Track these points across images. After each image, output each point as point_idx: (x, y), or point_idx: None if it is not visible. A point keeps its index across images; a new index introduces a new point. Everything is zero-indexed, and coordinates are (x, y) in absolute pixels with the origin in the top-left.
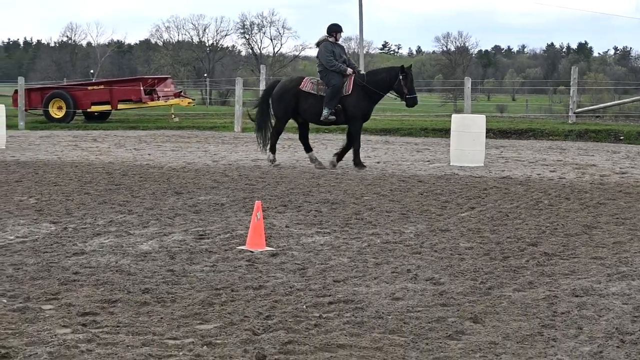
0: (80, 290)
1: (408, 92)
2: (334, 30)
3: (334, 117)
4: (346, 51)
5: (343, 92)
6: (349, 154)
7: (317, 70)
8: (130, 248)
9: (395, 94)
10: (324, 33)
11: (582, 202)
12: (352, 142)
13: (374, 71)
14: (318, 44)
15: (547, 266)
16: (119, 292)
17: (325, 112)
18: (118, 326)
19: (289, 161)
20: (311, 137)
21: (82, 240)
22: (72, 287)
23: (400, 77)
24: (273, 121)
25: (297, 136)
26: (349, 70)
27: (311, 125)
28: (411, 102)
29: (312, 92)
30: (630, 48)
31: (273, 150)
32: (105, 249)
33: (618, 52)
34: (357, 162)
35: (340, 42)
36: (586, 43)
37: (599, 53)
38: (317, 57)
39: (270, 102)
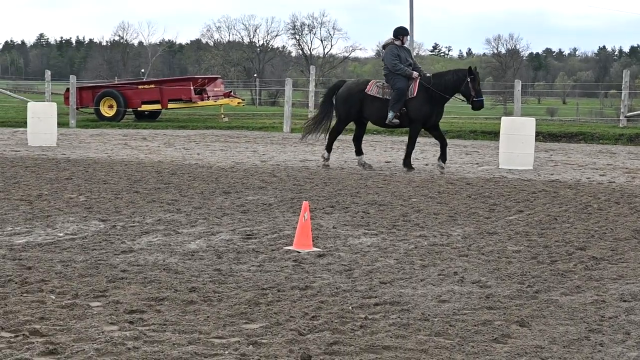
0: (127, 287)
1: (475, 94)
2: (400, 33)
3: (397, 120)
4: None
5: (408, 95)
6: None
7: (383, 73)
8: (178, 247)
9: (461, 96)
10: (390, 36)
11: (632, 207)
12: (408, 143)
13: (440, 73)
14: (384, 47)
15: (595, 270)
16: (166, 291)
17: (390, 115)
18: (164, 324)
19: (337, 162)
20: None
21: (131, 239)
22: (119, 285)
23: (468, 79)
24: (331, 121)
25: (349, 137)
26: (415, 74)
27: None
28: (478, 105)
29: (378, 95)
30: None
31: (329, 149)
32: (153, 248)
33: None
34: (407, 163)
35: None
36: (638, 46)
37: None
38: (382, 60)
39: (333, 101)
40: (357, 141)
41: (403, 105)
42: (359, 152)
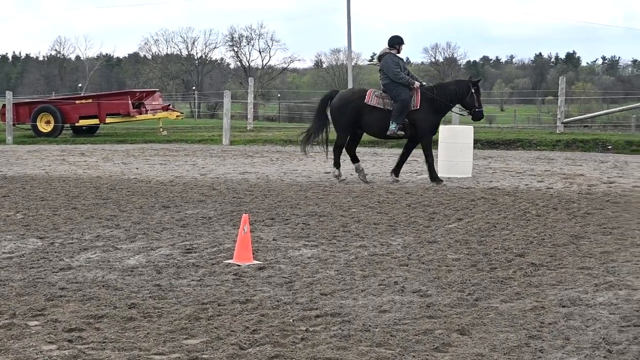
0: (66, 305)
1: (478, 105)
2: (397, 42)
3: (402, 132)
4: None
5: (411, 106)
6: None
7: (381, 82)
8: (117, 263)
9: (462, 107)
10: (385, 45)
11: (570, 212)
12: (426, 157)
13: (443, 84)
14: (380, 57)
15: (534, 277)
16: (106, 308)
17: (393, 127)
18: (104, 342)
19: (277, 174)
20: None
21: (69, 256)
22: (58, 303)
23: (473, 90)
24: (327, 132)
25: (284, 149)
26: (417, 84)
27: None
28: (480, 116)
29: (379, 106)
30: (618, 58)
31: (337, 165)
32: (92, 264)
33: (606, 61)
34: (434, 177)
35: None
36: (574, 53)
37: (587, 63)
38: (380, 69)
39: (327, 113)
40: (351, 150)
41: (406, 116)
42: (355, 159)
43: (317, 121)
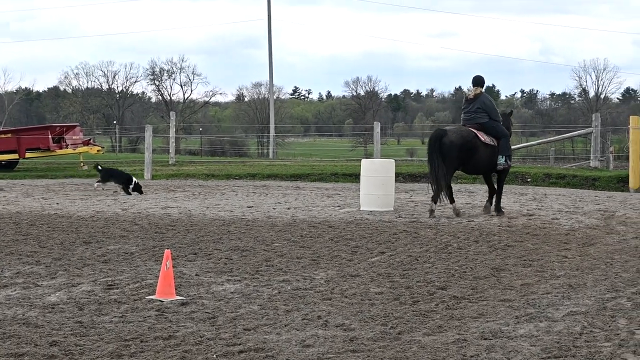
0: None
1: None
2: (484, 82)
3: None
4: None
5: None
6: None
7: (477, 121)
8: (37, 300)
9: None
10: (469, 85)
11: (491, 245)
12: (499, 188)
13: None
14: (474, 97)
15: (456, 310)
16: (26, 346)
17: (503, 160)
18: None
19: (199, 208)
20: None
21: None
22: None
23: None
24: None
25: (206, 183)
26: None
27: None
28: None
29: (491, 143)
30: (537, 91)
31: (438, 199)
32: (11, 301)
33: (524, 95)
34: (498, 208)
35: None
36: (493, 86)
37: (506, 96)
38: (479, 108)
39: (442, 150)
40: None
41: None
42: (436, 200)
43: (437, 166)
